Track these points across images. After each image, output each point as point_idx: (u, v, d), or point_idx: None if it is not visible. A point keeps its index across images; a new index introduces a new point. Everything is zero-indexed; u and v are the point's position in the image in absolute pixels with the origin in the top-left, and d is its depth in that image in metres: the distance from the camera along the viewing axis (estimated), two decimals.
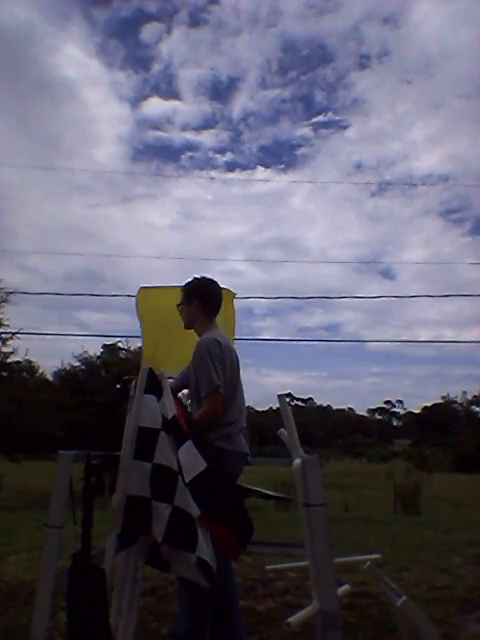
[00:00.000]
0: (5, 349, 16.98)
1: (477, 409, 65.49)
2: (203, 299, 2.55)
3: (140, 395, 1.84)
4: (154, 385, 1.86)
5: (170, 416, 1.83)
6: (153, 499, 1.72)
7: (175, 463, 1.75)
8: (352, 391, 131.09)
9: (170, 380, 2.48)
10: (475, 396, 64.78)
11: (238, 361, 2.54)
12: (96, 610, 1.69)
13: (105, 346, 22.31)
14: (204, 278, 2.63)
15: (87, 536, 1.76)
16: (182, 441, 1.82)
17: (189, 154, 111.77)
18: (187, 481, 1.76)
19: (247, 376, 2.56)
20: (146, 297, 2.90)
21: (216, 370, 2.29)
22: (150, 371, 1.87)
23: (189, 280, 2.61)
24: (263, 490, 2.78)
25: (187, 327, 2.61)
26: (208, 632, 2.18)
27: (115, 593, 1.82)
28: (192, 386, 2.43)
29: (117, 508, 1.76)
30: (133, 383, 1.91)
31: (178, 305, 2.63)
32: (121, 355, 22.29)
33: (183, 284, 2.63)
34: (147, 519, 1.70)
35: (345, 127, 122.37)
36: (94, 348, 22.92)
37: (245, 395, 2.55)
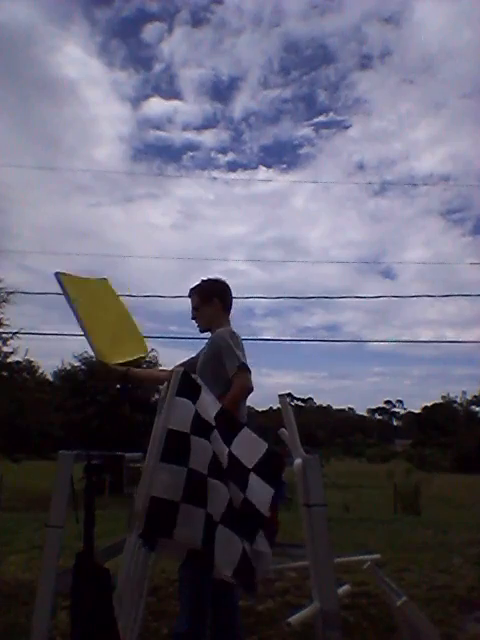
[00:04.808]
0: (5, 349, 16.89)
1: (477, 409, 65.47)
2: (222, 298, 2.59)
3: (171, 396, 1.80)
4: (188, 388, 1.81)
5: (214, 413, 1.81)
6: (188, 503, 1.66)
7: (206, 467, 1.71)
8: (352, 391, 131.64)
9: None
10: (475, 396, 64.79)
11: None
12: (101, 610, 1.68)
13: None
14: (217, 279, 2.66)
15: (90, 536, 1.76)
16: (235, 432, 1.82)
17: (190, 154, 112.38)
18: (250, 467, 1.77)
19: None
20: (72, 283, 2.59)
21: (239, 352, 2.32)
22: (184, 373, 1.83)
23: (199, 283, 2.63)
24: None
25: (205, 328, 2.61)
26: (208, 632, 2.19)
27: (120, 593, 1.81)
28: (207, 373, 2.38)
29: (140, 509, 1.72)
30: (165, 384, 1.88)
31: (194, 307, 2.62)
32: None
33: (193, 286, 2.63)
34: (170, 523, 1.65)
35: (347, 127, 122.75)
36: None
37: None
